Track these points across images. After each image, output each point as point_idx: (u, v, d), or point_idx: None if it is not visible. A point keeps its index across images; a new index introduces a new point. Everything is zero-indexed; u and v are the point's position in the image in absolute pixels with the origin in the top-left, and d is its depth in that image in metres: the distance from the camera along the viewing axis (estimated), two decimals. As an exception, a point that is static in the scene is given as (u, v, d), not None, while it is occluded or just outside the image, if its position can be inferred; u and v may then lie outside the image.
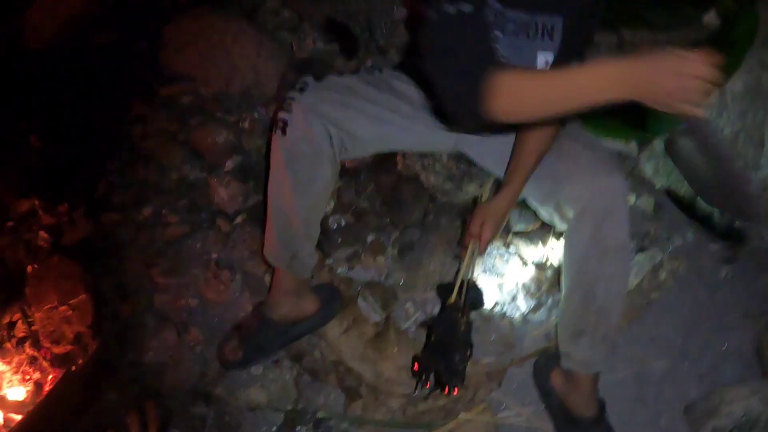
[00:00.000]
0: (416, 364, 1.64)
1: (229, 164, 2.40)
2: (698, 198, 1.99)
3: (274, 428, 1.90)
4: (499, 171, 1.72)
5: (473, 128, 1.69)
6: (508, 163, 1.62)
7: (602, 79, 1.12)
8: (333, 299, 1.96)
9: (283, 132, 1.58)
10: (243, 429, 1.90)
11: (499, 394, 1.87)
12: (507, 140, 1.63)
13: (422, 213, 2.16)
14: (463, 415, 1.81)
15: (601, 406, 1.75)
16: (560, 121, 1.53)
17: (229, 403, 1.94)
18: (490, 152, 1.75)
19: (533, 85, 1.23)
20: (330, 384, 1.91)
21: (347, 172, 2.26)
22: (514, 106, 1.24)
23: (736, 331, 1.93)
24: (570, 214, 1.52)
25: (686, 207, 2.10)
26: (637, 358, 1.92)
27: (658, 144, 2.12)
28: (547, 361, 1.86)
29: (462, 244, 1.81)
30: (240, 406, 1.93)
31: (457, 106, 1.32)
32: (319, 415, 1.85)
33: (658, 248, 2.07)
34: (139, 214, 2.38)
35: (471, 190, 2.11)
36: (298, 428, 1.88)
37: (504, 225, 1.83)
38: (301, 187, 1.64)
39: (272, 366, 1.95)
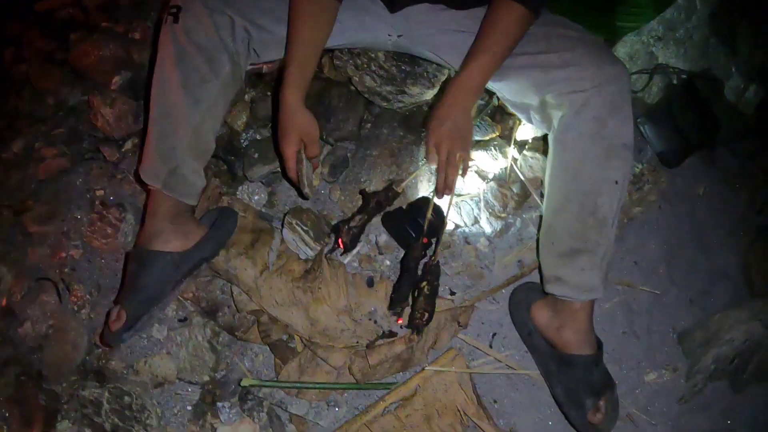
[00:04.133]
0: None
1: (117, 81, 1.75)
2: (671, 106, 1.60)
3: (189, 407, 1.32)
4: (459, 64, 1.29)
5: None
6: (475, 40, 1.18)
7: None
8: (223, 218, 1.36)
9: (175, 19, 1.19)
10: (149, 412, 1.32)
11: (469, 337, 1.34)
12: (466, 25, 1.25)
13: (357, 123, 1.57)
14: (429, 368, 1.27)
15: (599, 344, 1.25)
16: (534, 8, 1.15)
17: (128, 379, 1.35)
18: (449, 42, 1.30)
19: None
20: (254, 342, 1.34)
21: (262, 79, 1.63)
22: None
23: (720, 250, 1.57)
24: (562, 109, 1.16)
25: (658, 115, 1.61)
26: (622, 285, 1.46)
27: (630, 41, 1.66)
28: (526, 292, 1.34)
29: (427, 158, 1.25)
30: (143, 383, 1.34)
31: None
32: (245, 383, 1.28)
33: (636, 160, 1.57)
34: (8, 150, 1.73)
35: (416, 92, 1.53)
36: (220, 404, 1.31)
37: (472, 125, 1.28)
38: (193, 88, 1.20)
39: (179, 326, 1.36)
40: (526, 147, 1.53)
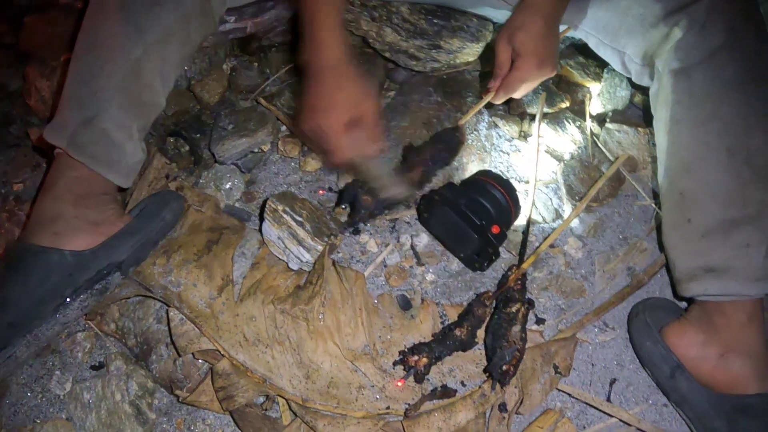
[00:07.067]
0: None
1: (66, 59, 1.28)
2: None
3: None
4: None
5: None
6: None
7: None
8: (158, 204, 0.82)
9: None
10: None
11: (575, 389, 0.75)
12: None
13: (376, 89, 1.07)
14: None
15: None
16: None
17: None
18: None
19: None
20: (207, 408, 0.74)
21: (247, 48, 1.14)
22: None
23: None
24: (673, 36, 0.77)
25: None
26: None
27: None
28: (651, 312, 0.79)
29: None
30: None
31: None
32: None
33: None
34: None
35: (456, 46, 1.05)
36: None
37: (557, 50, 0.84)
38: (136, 11, 0.77)
39: (90, 377, 0.78)
40: (608, 120, 1.03)
